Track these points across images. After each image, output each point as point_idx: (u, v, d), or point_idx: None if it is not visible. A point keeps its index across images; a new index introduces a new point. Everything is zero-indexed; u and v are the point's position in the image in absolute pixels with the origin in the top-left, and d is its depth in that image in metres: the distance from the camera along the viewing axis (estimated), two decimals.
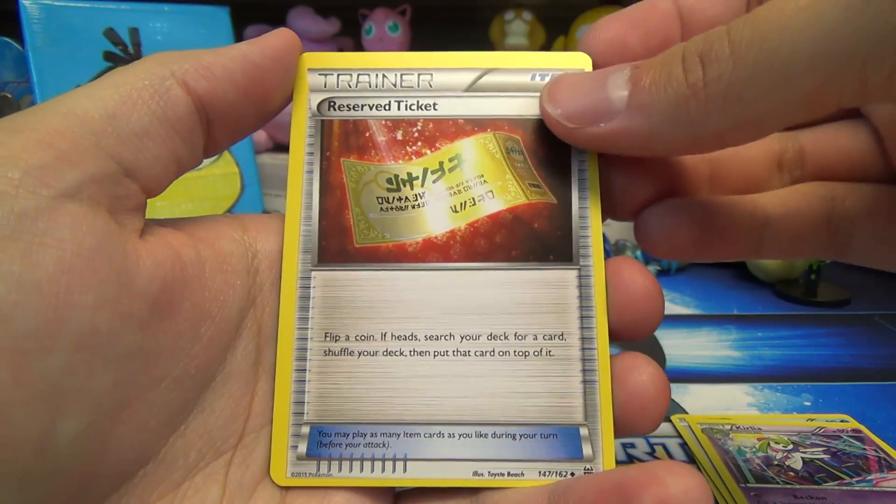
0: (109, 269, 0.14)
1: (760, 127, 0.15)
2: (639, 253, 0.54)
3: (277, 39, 0.18)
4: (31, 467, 0.13)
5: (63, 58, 0.44)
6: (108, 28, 0.46)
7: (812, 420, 0.32)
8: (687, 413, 0.33)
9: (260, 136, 0.57)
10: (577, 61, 0.19)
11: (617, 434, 0.17)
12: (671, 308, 0.47)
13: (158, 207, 0.45)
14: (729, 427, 0.31)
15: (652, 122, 0.15)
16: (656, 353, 0.40)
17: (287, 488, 0.17)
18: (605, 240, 0.60)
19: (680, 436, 0.31)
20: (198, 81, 0.16)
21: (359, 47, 0.67)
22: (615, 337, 0.18)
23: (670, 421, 0.32)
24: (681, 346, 0.41)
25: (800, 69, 0.13)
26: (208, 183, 0.47)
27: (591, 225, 0.18)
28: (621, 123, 0.16)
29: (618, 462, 0.17)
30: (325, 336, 0.18)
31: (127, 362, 0.14)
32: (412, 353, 0.17)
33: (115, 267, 0.14)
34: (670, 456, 0.30)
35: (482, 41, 0.68)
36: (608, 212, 0.19)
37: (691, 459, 0.29)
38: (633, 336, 0.17)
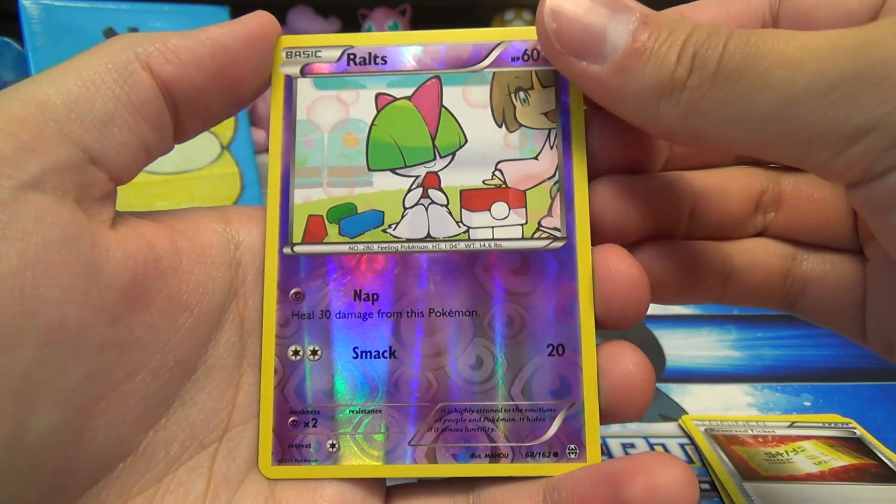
0: (77, 261, 0.14)
1: (707, 144, 0.16)
2: None
3: (251, 23, 0.17)
4: (2, 464, 0.13)
5: (63, 58, 0.44)
6: (107, 28, 0.46)
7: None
8: (687, 413, 0.33)
9: (260, 135, 0.57)
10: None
11: (602, 421, 0.17)
12: (671, 308, 0.47)
13: (158, 208, 0.45)
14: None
15: (628, 90, 0.15)
16: (656, 353, 0.40)
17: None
18: None
19: (679, 436, 0.31)
20: (163, 66, 0.16)
21: None
22: (602, 326, 0.17)
23: (673, 421, 0.32)
24: (681, 346, 0.41)
25: (759, 117, 0.14)
26: (208, 183, 0.47)
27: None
28: (604, 74, 0.15)
29: None
30: None
31: (99, 355, 0.14)
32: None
33: (83, 258, 0.14)
34: None
35: None
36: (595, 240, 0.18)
37: (690, 460, 0.29)
38: (620, 325, 0.17)
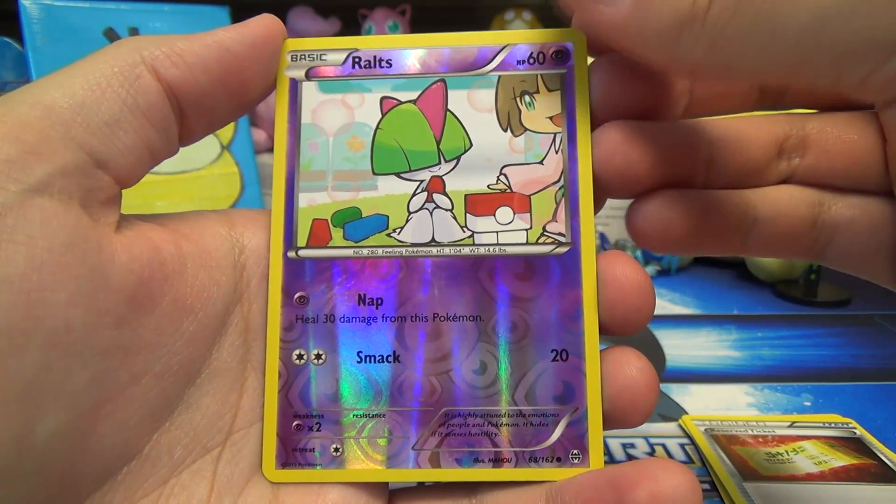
0: (82, 265, 0.14)
1: (735, 76, 0.15)
2: (638, 253, 0.54)
3: (257, 26, 0.17)
4: (9, 467, 0.13)
5: (63, 58, 0.44)
6: (108, 28, 0.46)
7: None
8: (687, 413, 0.33)
9: (260, 135, 0.57)
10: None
11: (606, 426, 0.17)
12: (671, 308, 0.47)
13: (158, 208, 0.45)
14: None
15: (647, 28, 0.15)
16: (656, 354, 0.40)
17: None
18: (605, 239, 0.60)
19: (679, 436, 0.31)
20: (168, 69, 0.16)
21: None
22: (605, 331, 0.17)
23: (673, 421, 0.32)
24: (681, 346, 0.41)
25: (790, 35, 0.13)
26: (208, 183, 0.47)
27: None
28: (620, 15, 0.15)
29: (617, 462, 0.17)
30: None
31: (104, 359, 0.14)
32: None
33: (89, 262, 0.14)
34: (670, 456, 0.30)
35: None
36: (607, 191, 0.18)
37: (690, 460, 0.29)
38: (624, 331, 0.17)
